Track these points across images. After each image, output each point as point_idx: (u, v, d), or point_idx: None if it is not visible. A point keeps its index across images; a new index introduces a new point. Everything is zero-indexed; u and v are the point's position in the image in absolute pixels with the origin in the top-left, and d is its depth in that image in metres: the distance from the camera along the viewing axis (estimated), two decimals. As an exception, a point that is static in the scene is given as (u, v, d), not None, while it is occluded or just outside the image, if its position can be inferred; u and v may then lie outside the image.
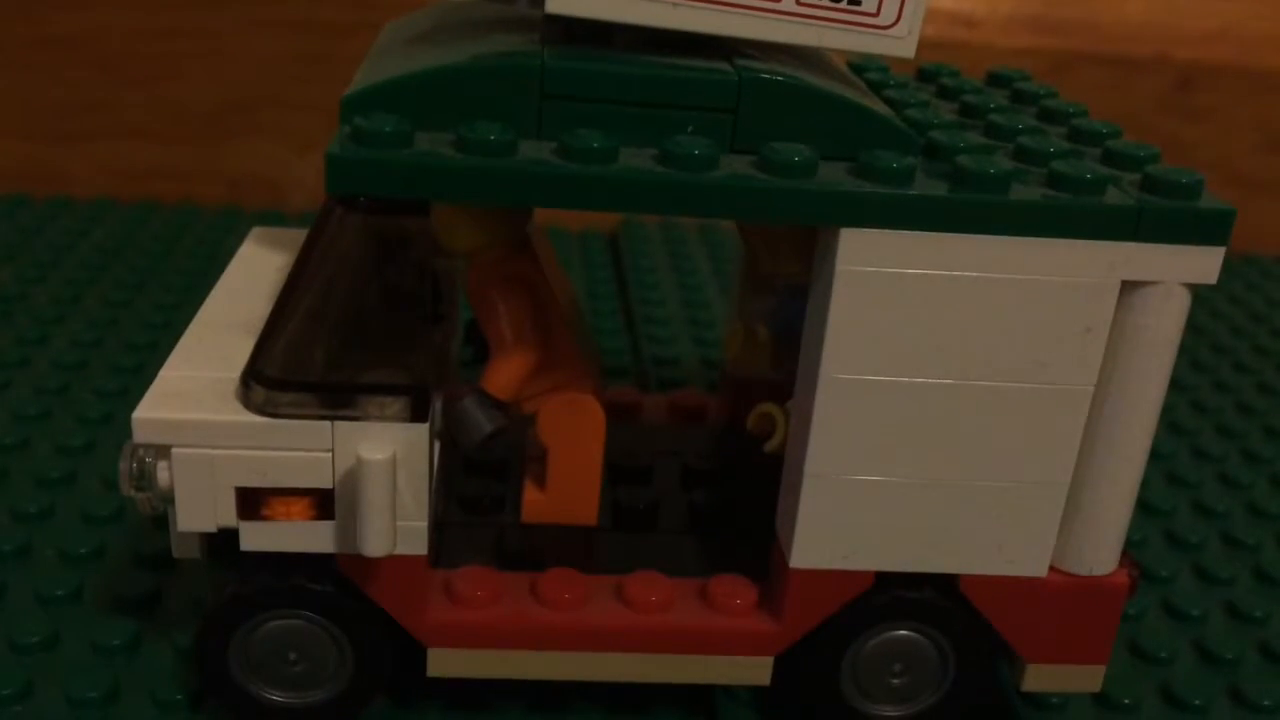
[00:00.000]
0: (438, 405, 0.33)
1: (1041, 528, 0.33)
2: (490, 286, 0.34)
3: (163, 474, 0.30)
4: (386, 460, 0.30)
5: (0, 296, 0.59)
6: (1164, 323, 0.31)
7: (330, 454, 0.31)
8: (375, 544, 0.30)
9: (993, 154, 0.31)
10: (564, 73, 0.29)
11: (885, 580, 0.33)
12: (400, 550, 0.31)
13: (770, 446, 0.35)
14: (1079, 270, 0.30)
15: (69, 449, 0.47)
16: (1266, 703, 0.38)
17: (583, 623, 0.33)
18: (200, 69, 0.72)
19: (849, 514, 0.32)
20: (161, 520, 0.39)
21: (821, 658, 0.34)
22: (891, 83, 0.37)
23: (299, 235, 0.36)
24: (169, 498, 0.31)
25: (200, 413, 0.30)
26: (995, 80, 0.40)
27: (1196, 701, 0.38)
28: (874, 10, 0.30)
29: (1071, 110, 0.36)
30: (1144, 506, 0.48)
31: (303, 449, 0.30)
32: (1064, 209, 0.30)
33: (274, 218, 0.68)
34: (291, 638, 0.33)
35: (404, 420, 0.30)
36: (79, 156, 0.73)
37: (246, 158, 0.73)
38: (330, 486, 0.31)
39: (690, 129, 0.30)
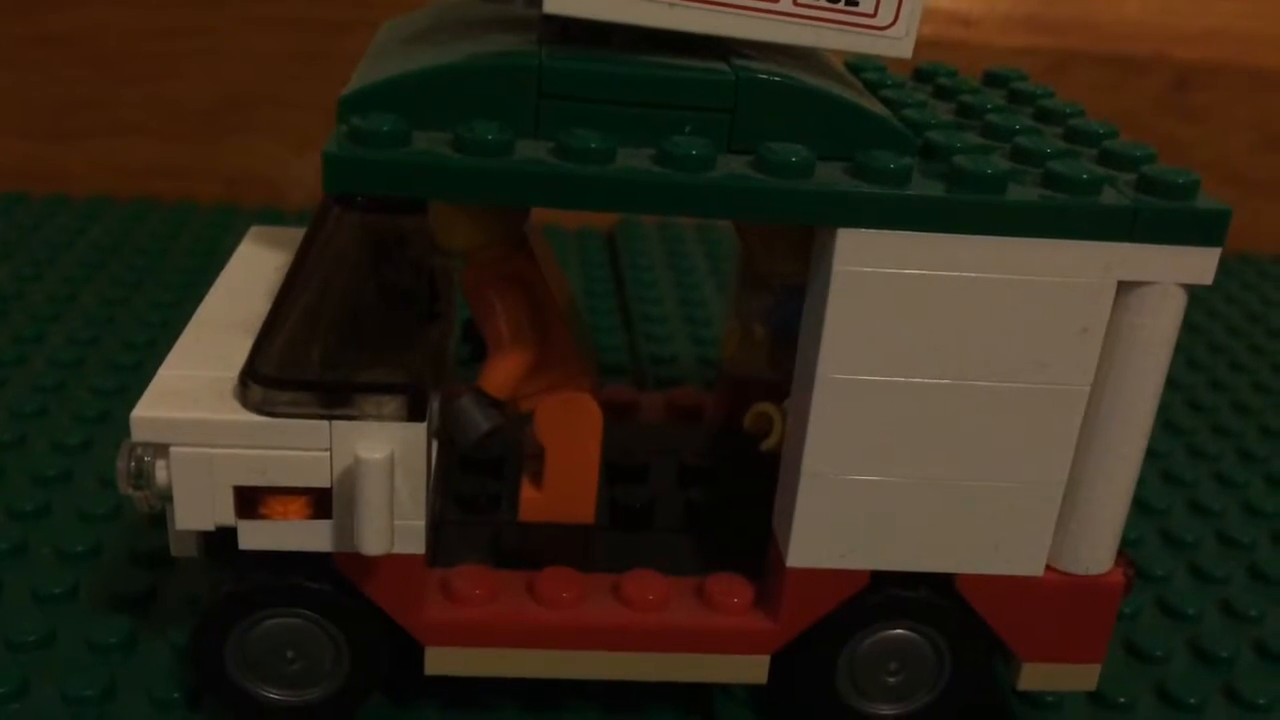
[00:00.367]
0: (435, 404, 0.33)
1: (1037, 527, 0.33)
2: (487, 285, 0.34)
3: (161, 473, 0.30)
4: (384, 459, 0.30)
5: (-3, 294, 0.59)
6: (1160, 323, 0.31)
7: (328, 453, 0.31)
8: (373, 543, 0.30)
9: (989, 154, 0.31)
10: (561, 72, 0.29)
11: (881, 579, 0.33)
12: (398, 549, 0.31)
13: (767, 445, 0.36)
14: (1075, 270, 0.30)
15: (66, 447, 0.47)
16: (1261, 701, 0.39)
17: (580, 621, 0.33)
18: (198, 67, 0.72)
19: (845, 513, 0.32)
20: (158, 519, 0.39)
21: (818, 656, 0.34)
22: (889, 82, 0.37)
23: (297, 234, 0.36)
24: (167, 496, 0.31)
25: (198, 412, 0.30)
26: (992, 80, 0.40)
27: (1192, 700, 0.38)
28: (871, 11, 0.30)
29: (1068, 110, 0.36)
30: (1140, 505, 0.48)
31: (300, 448, 0.30)
32: (1060, 209, 0.30)
33: (272, 216, 0.68)
34: (289, 636, 0.33)
35: (401, 419, 0.30)
36: (76, 154, 0.73)
37: (244, 156, 0.73)
38: (328, 485, 0.31)
39: (687, 129, 0.30)
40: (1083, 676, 0.35)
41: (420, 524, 0.32)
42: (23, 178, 0.73)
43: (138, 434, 0.30)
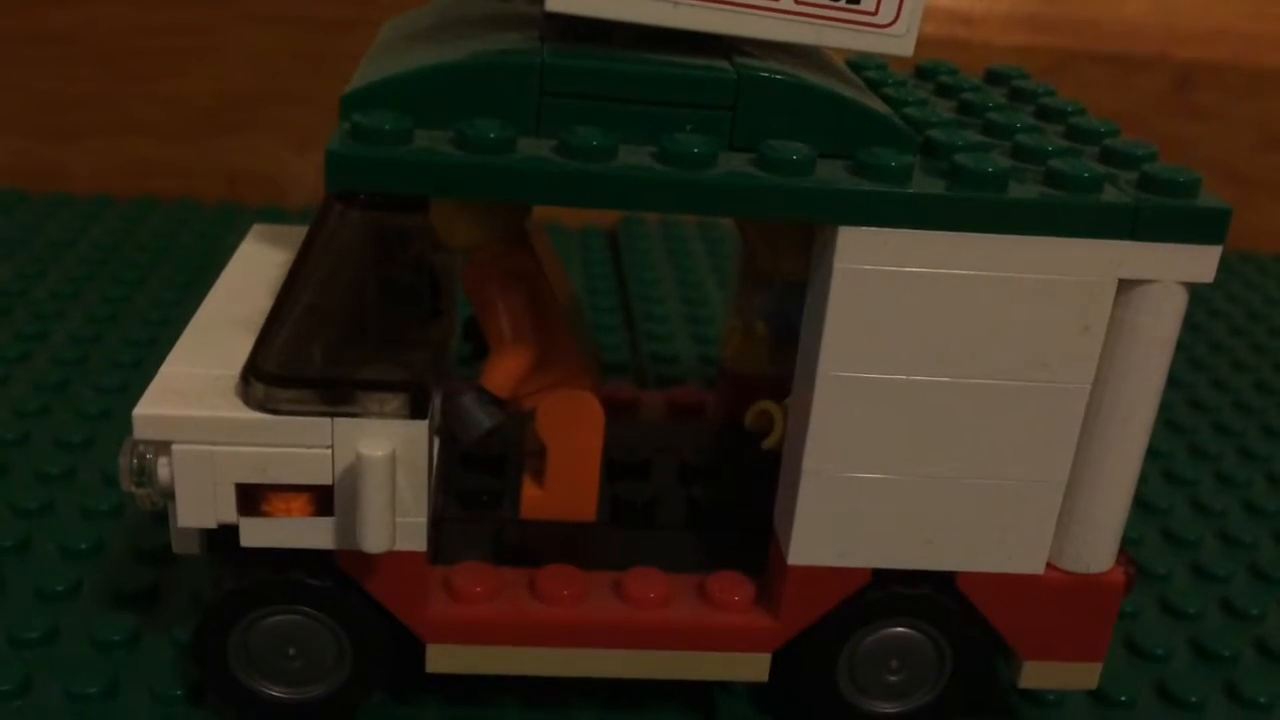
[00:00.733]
0: (437, 402, 0.33)
1: (1039, 525, 0.33)
2: (489, 283, 0.34)
3: (163, 470, 0.31)
4: (386, 457, 0.30)
5: (0, 292, 0.59)
6: (1161, 321, 0.31)
7: (330, 450, 0.31)
8: (374, 540, 0.30)
9: (990, 152, 0.31)
10: (563, 70, 0.29)
11: (882, 577, 0.33)
12: (399, 546, 0.31)
13: (768, 443, 0.36)
14: (1076, 268, 0.30)
15: (68, 444, 0.47)
16: (1262, 700, 0.39)
17: (581, 619, 0.33)
18: (199, 65, 0.72)
19: (846, 511, 0.32)
20: (161, 516, 0.39)
21: (819, 654, 0.34)
22: (890, 81, 0.38)
23: (299, 232, 0.36)
24: (169, 493, 0.31)
25: (201, 409, 0.30)
26: (993, 78, 0.40)
27: (1193, 698, 0.38)
28: (873, 9, 0.30)
29: (1069, 108, 0.36)
30: (1142, 504, 0.48)
31: (302, 445, 0.31)
32: (1061, 207, 0.30)
33: (274, 215, 0.69)
34: (291, 633, 0.33)
35: (403, 417, 0.30)
36: (77, 153, 0.73)
37: (246, 155, 0.73)
38: (330, 483, 0.31)
39: (689, 127, 0.30)
40: (1084, 675, 0.35)
41: (422, 521, 0.32)
42: (24, 176, 0.73)
43: (140, 431, 0.30)
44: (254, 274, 0.37)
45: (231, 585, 0.33)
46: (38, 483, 0.44)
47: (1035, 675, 0.35)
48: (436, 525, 0.35)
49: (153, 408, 0.30)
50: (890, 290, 0.30)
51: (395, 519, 0.31)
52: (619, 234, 0.73)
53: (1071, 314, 0.31)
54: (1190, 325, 0.64)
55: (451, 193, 0.29)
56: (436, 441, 0.34)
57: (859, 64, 0.39)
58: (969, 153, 0.30)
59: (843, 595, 0.33)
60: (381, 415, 0.30)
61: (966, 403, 0.31)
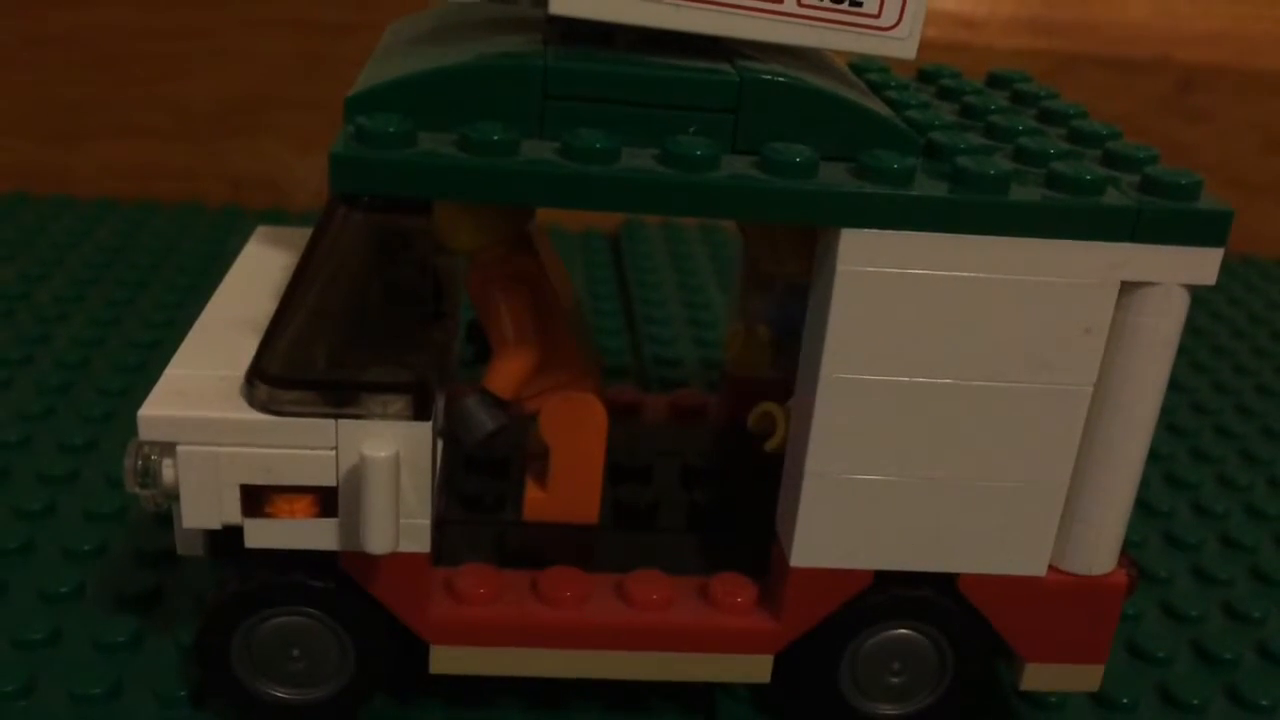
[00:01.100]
0: (440, 404, 0.33)
1: (1040, 527, 0.33)
2: (492, 285, 0.34)
3: (168, 471, 0.31)
4: (389, 458, 0.30)
5: (3, 295, 0.59)
6: (1163, 323, 0.31)
7: (334, 452, 0.31)
8: (378, 541, 0.30)
9: (992, 155, 0.31)
10: (566, 73, 0.30)
11: (884, 579, 0.33)
12: (403, 548, 0.31)
13: (770, 446, 0.36)
14: (1078, 271, 0.30)
15: (71, 447, 0.47)
16: (1264, 702, 0.39)
17: (583, 621, 0.33)
18: (202, 69, 0.72)
19: (849, 513, 0.32)
20: (164, 518, 0.40)
21: (821, 656, 0.35)
22: (892, 84, 0.38)
23: (303, 234, 0.36)
24: (174, 495, 0.31)
25: (205, 410, 0.30)
26: (996, 81, 0.40)
27: (1194, 701, 0.38)
28: (875, 12, 0.30)
29: (1071, 111, 0.36)
30: (1143, 507, 0.48)
31: (306, 447, 0.31)
32: (1063, 210, 0.30)
33: (277, 217, 0.69)
34: (294, 634, 0.33)
35: (407, 418, 0.31)
36: (80, 156, 0.73)
37: (249, 157, 0.74)
38: (334, 484, 0.31)
39: (691, 129, 0.30)
40: (1086, 677, 0.35)
41: (425, 523, 0.32)
42: (27, 179, 0.73)
43: (145, 433, 0.30)
44: (258, 276, 0.37)
45: (235, 587, 0.33)
46: (41, 485, 0.44)
47: (1037, 677, 0.35)
48: (439, 527, 0.35)
49: (158, 409, 0.30)
50: (893, 292, 0.30)
51: (399, 520, 0.31)
52: (621, 237, 0.73)
53: (1073, 316, 0.31)
54: (1192, 329, 0.64)
55: (455, 195, 0.29)
56: (440, 443, 0.34)
57: (861, 67, 0.39)
58: (971, 155, 0.30)
59: (845, 597, 0.33)
60: (385, 417, 0.31)
61: (968, 405, 0.31)
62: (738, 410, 0.39)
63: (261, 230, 0.41)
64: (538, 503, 0.36)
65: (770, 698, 0.37)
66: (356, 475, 0.30)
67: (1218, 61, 0.75)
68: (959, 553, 0.33)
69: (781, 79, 0.30)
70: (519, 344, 0.34)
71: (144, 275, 0.63)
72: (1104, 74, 0.74)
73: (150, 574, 0.40)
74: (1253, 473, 0.53)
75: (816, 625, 0.34)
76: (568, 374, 0.35)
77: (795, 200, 0.29)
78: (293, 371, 0.30)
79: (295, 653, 0.34)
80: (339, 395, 0.30)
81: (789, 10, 0.30)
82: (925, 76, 0.40)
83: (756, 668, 0.34)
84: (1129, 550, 0.35)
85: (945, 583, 0.34)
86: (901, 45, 0.31)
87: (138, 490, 0.31)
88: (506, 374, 0.34)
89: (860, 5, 0.30)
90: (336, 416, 0.30)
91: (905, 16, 0.30)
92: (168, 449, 0.31)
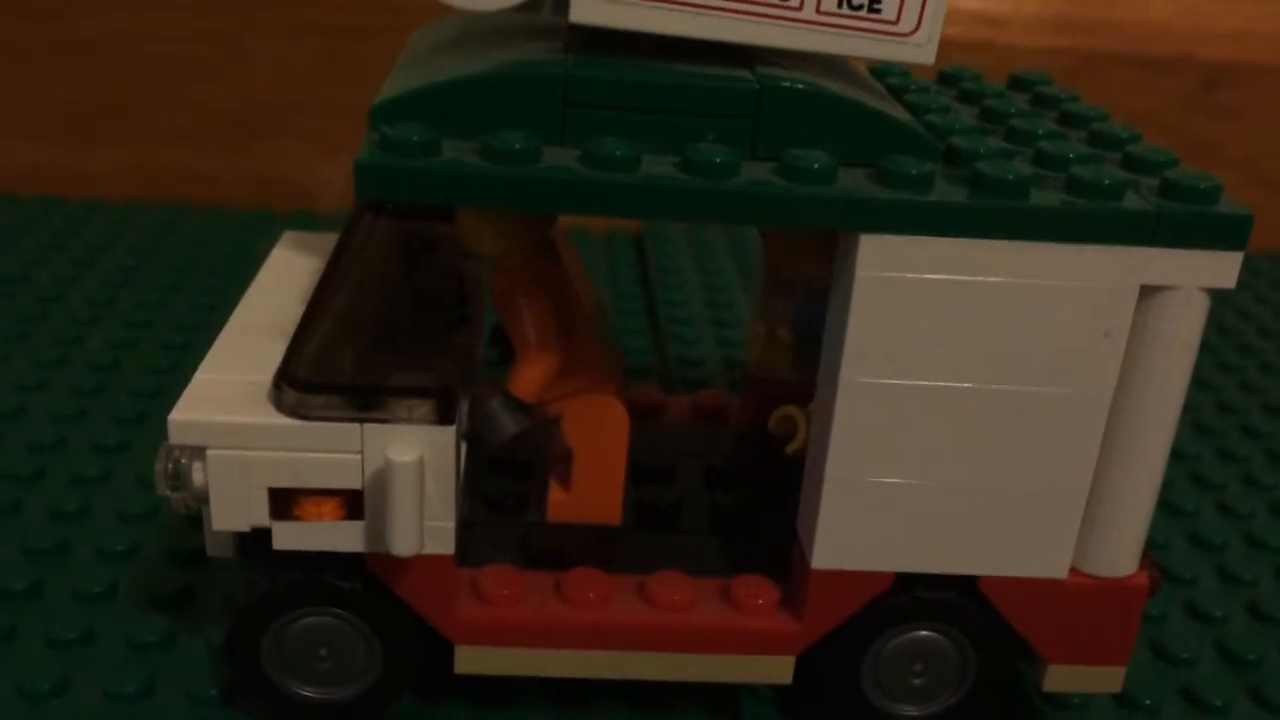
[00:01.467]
0: (464, 407, 0.34)
1: (1061, 530, 0.33)
2: (515, 290, 0.35)
3: (198, 475, 0.31)
4: (415, 462, 0.30)
5: (37, 298, 0.60)
6: (1183, 327, 0.31)
7: (360, 456, 0.31)
8: (404, 543, 0.31)
9: (1012, 159, 0.31)
10: (588, 81, 0.30)
11: (906, 581, 0.34)
12: (428, 549, 0.32)
13: (792, 448, 0.36)
14: (1098, 275, 0.30)
15: (105, 448, 0.47)
16: (1288, 704, 0.39)
17: (606, 622, 0.34)
18: (227, 72, 0.73)
19: (869, 516, 0.32)
20: (195, 519, 0.40)
21: (843, 657, 0.35)
22: (912, 87, 0.38)
23: (329, 239, 0.36)
24: (204, 498, 0.31)
25: (234, 415, 0.31)
26: (1016, 84, 0.40)
27: (1218, 702, 0.38)
28: (894, 18, 0.30)
29: (1092, 114, 0.36)
30: (1168, 508, 0.48)
31: (333, 451, 0.31)
32: (1083, 214, 0.30)
33: (304, 219, 0.69)
34: (322, 634, 0.34)
35: (432, 422, 0.31)
36: (106, 160, 0.74)
37: (275, 161, 0.74)
38: (360, 487, 0.31)
39: (711, 136, 0.30)
40: (1108, 679, 0.35)
41: (450, 525, 0.32)
42: (57, 183, 0.74)
43: (175, 437, 0.31)
44: (285, 281, 0.37)
45: (264, 588, 0.33)
46: (75, 486, 0.45)
47: (1059, 679, 0.35)
48: (464, 529, 0.36)
49: (188, 413, 0.31)
50: (912, 297, 0.30)
51: (424, 522, 0.31)
52: (644, 237, 0.73)
53: (1093, 320, 0.31)
54: (1218, 328, 0.64)
55: (478, 203, 0.30)
56: (464, 446, 0.34)
57: (882, 70, 0.39)
58: (991, 160, 0.30)
59: (866, 599, 0.34)
60: (410, 421, 0.31)
61: (988, 408, 0.31)
62: (760, 412, 0.40)
63: (288, 235, 0.41)
64: (561, 504, 0.36)
65: (794, 698, 0.37)
66: (382, 478, 0.31)
67: (1242, 59, 0.75)
68: (980, 555, 0.33)
69: (800, 85, 0.30)
70: (541, 348, 0.34)
71: (175, 278, 0.64)
72: (1128, 72, 0.74)
73: (182, 574, 0.40)
74: (1279, 473, 0.52)
75: (838, 627, 0.34)
76: (590, 377, 0.36)
77: (814, 206, 0.29)
78: (319, 376, 0.31)
79: (323, 652, 0.34)
80: (365, 400, 0.31)
81: (807, 17, 0.30)
82: (946, 79, 0.40)
83: (778, 669, 0.34)
84: (1153, 551, 0.35)
85: (967, 584, 0.34)
86: (920, 51, 0.31)
87: (168, 493, 0.32)
88: (529, 378, 0.34)
89: (879, 11, 0.30)
90: (362, 421, 0.31)
91: (924, 22, 0.30)
92: (197, 453, 0.31)
